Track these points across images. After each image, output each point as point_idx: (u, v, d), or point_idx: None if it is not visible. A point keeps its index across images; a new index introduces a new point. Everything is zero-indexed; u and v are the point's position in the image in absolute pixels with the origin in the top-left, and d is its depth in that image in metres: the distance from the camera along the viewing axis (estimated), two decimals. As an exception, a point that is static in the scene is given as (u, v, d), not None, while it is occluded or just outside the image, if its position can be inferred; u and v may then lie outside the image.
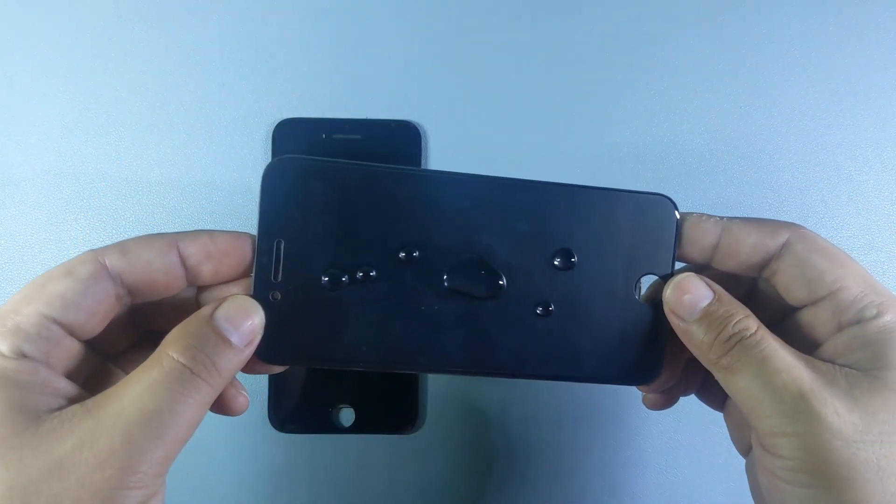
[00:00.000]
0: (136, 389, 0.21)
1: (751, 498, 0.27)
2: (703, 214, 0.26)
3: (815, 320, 0.25)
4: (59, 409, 0.21)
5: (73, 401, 0.21)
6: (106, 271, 0.23)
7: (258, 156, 0.40)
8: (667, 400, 0.29)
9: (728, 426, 0.29)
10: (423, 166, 0.39)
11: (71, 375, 0.23)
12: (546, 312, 0.27)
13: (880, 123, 0.40)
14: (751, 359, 0.23)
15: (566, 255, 0.27)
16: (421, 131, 0.40)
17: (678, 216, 0.26)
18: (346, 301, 0.26)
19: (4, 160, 0.40)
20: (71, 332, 0.23)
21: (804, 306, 0.25)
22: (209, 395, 0.22)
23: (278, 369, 0.27)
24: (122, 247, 0.24)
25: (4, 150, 0.40)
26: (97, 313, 0.23)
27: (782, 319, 0.26)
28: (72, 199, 0.40)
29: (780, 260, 0.25)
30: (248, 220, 0.40)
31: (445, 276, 0.26)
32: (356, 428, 0.38)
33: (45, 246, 0.40)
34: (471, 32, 0.40)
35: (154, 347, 0.23)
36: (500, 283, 0.27)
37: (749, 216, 0.26)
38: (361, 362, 0.26)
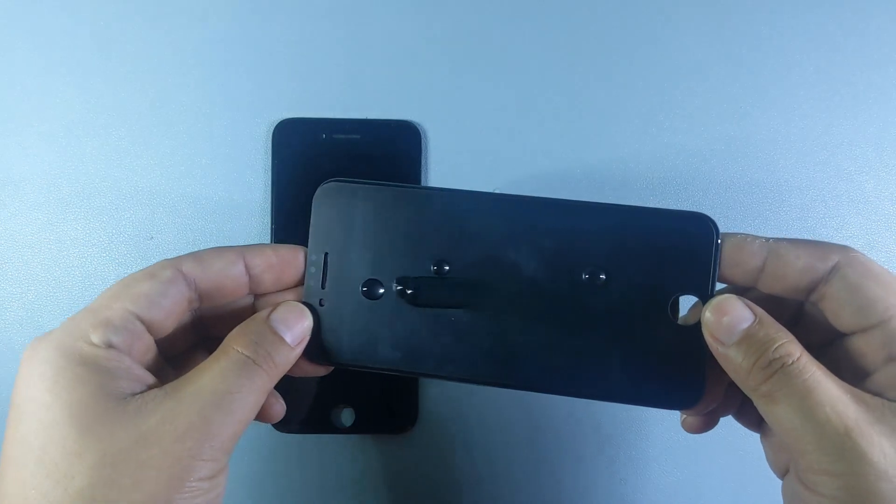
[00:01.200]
0: (208, 375, 0.24)
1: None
2: (747, 236, 0.26)
3: (865, 349, 0.24)
4: (142, 392, 0.24)
5: (151, 387, 0.24)
6: (183, 276, 0.26)
7: (258, 156, 0.40)
8: (707, 422, 0.28)
9: (765, 448, 0.28)
10: (423, 166, 0.39)
11: (146, 368, 0.25)
12: (577, 330, 0.27)
13: (880, 123, 0.40)
14: (793, 388, 0.22)
15: (597, 273, 0.27)
16: (421, 131, 0.40)
17: (718, 236, 0.26)
18: (383, 310, 0.28)
19: (4, 160, 0.40)
20: (150, 328, 0.25)
21: (853, 333, 0.24)
22: (268, 383, 0.25)
23: (323, 371, 0.29)
24: (197, 256, 0.27)
25: (4, 150, 0.40)
26: (173, 314, 0.26)
27: (829, 346, 0.25)
28: (72, 199, 0.40)
29: (828, 284, 0.24)
30: (248, 219, 0.40)
31: (482, 290, 0.28)
32: (356, 428, 0.38)
33: (45, 246, 0.40)
34: (471, 33, 0.40)
35: (207, 352, 0.26)
36: (538, 297, 0.27)
37: (796, 237, 0.25)
38: (394, 367, 0.28)
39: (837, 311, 0.24)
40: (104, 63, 0.40)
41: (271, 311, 0.27)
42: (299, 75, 0.40)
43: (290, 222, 0.39)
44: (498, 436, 0.39)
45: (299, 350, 0.27)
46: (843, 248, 0.24)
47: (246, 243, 0.39)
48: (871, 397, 0.22)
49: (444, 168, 0.40)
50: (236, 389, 0.24)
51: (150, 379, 0.25)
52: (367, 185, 0.29)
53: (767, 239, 0.25)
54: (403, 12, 0.40)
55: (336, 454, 0.39)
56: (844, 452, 0.21)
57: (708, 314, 0.25)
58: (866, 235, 0.39)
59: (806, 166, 0.40)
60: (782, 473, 0.27)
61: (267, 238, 0.39)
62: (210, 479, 0.23)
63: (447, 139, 0.40)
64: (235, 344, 0.25)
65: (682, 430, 0.29)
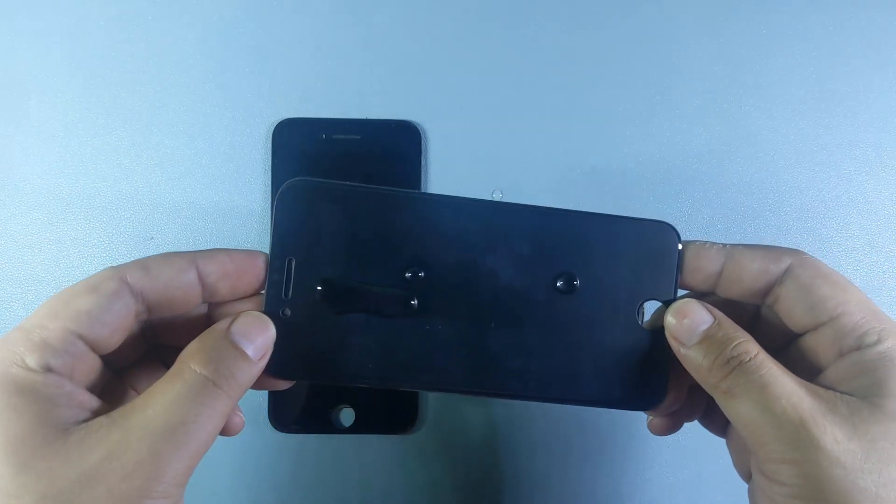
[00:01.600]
0: (160, 401, 0.22)
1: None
2: (706, 242, 0.26)
3: (817, 346, 0.25)
4: (85, 420, 0.22)
5: (96, 413, 0.22)
6: (128, 288, 0.24)
7: (258, 156, 0.40)
8: (671, 425, 0.29)
9: (730, 451, 0.29)
10: (423, 166, 0.39)
11: (91, 389, 0.23)
12: (548, 336, 0.27)
13: (880, 123, 0.40)
14: (751, 384, 0.23)
15: (568, 279, 0.27)
16: (421, 131, 0.40)
17: (680, 244, 0.27)
18: (350, 320, 0.27)
19: (4, 160, 0.40)
20: (93, 347, 0.23)
21: (806, 332, 0.25)
22: (228, 406, 0.23)
23: (284, 385, 0.27)
24: (143, 264, 0.24)
25: (4, 150, 0.40)
26: (119, 329, 0.24)
27: (786, 346, 0.26)
28: (72, 199, 0.40)
29: (782, 286, 0.25)
30: (248, 219, 0.40)
31: (448, 298, 0.27)
32: (356, 428, 0.38)
33: (45, 246, 0.40)
34: (471, 33, 0.40)
35: (159, 361, 0.24)
36: (506, 304, 0.27)
37: (752, 243, 0.26)
38: (365, 379, 0.27)
39: (791, 311, 0.25)
40: (104, 63, 0.40)
41: (231, 323, 0.24)
42: (299, 75, 0.40)
43: (290, 222, 0.39)
44: (498, 436, 0.39)
45: (262, 365, 0.25)
46: (795, 252, 0.25)
47: (242, 245, 0.39)
48: (824, 390, 0.23)
49: (443, 168, 0.40)
50: (192, 418, 0.22)
51: (95, 403, 0.23)
52: (334, 185, 0.27)
53: (724, 245, 0.26)
54: (403, 12, 0.40)
55: (336, 454, 0.39)
56: (800, 441, 0.22)
57: (670, 317, 0.26)
58: (866, 236, 0.39)
59: (806, 167, 0.40)
60: (747, 477, 0.27)
61: (267, 238, 0.39)
62: None
63: (447, 139, 0.40)
64: (192, 362, 0.23)
65: (683, 433, 0.29)
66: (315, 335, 0.27)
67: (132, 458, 0.21)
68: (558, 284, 0.27)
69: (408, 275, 0.27)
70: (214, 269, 0.25)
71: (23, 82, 0.40)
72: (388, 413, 0.39)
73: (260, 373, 0.25)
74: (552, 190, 0.40)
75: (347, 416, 0.39)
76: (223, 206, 0.40)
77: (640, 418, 0.39)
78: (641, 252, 0.27)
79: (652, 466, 0.39)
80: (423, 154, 0.40)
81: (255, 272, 0.26)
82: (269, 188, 0.39)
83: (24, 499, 0.20)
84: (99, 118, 0.40)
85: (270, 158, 0.39)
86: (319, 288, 0.26)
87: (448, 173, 0.40)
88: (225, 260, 0.26)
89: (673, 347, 0.26)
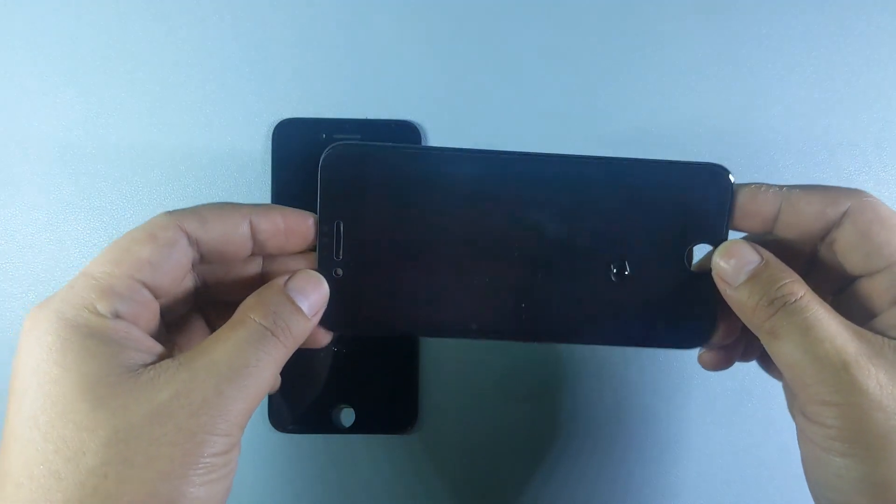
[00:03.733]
0: (224, 347, 0.23)
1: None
2: (761, 185, 0.26)
3: (872, 292, 0.25)
4: (154, 363, 0.23)
5: (161, 357, 0.23)
6: (185, 237, 0.25)
7: (258, 156, 0.40)
8: (722, 360, 0.29)
9: (785, 394, 0.29)
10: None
11: (152, 335, 0.25)
12: (599, 280, 0.28)
13: (880, 123, 0.40)
14: (794, 325, 0.23)
15: (617, 225, 0.27)
16: (421, 131, 0.40)
17: (733, 185, 0.26)
18: (404, 275, 0.28)
19: (4, 160, 0.40)
20: (154, 294, 0.24)
21: (862, 277, 0.25)
22: (284, 356, 0.25)
23: (326, 339, 0.28)
24: (199, 214, 0.25)
25: (4, 149, 0.40)
26: (177, 277, 0.25)
27: (842, 289, 0.26)
28: (72, 199, 0.40)
29: (839, 228, 0.25)
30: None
31: (499, 249, 0.28)
32: (356, 428, 0.38)
33: (45, 246, 0.40)
34: (471, 33, 0.40)
35: (202, 315, 0.26)
36: (555, 254, 0.28)
37: (810, 184, 0.26)
38: (418, 330, 0.28)
39: (847, 255, 0.25)
40: (104, 63, 0.40)
41: (288, 280, 0.26)
42: (299, 75, 0.40)
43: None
44: (497, 436, 0.39)
45: (316, 320, 0.26)
46: (856, 193, 0.25)
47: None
48: (872, 335, 0.23)
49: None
50: (253, 362, 0.23)
51: (160, 348, 0.24)
52: (376, 148, 0.28)
53: (781, 187, 0.26)
54: (403, 12, 0.40)
55: (336, 454, 0.39)
56: (842, 384, 0.22)
57: (716, 258, 0.26)
58: (866, 235, 0.39)
59: (806, 166, 0.40)
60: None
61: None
62: (224, 455, 0.23)
63: (447, 139, 0.40)
64: (252, 313, 0.24)
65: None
66: (367, 292, 0.28)
67: (199, 396, 0.22)
68: (609, 231, 0.27)
69: (455, 230, 0.28)
70: (267, 226, 0.26)
71: (23, 82, 0.40)
72: (388, 413, 0.39)
73: (313, 327, 0.26)
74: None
75: (347, 416, 0.39)
76: (223, 206, 0.40)
77: (644, 417, 0.39)
78: (691, 195, 0.27)
79: (654, 467, 0.39)
80: (423, 154, 0.40)
81: (305, 232, 0.27)
82: (270, 188, 0.39)
83: (97, 432, 0.21)
84: (98, 118, 0.40)
85: (270, 158, 0.39)
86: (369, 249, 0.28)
87: (448, 173, 0.40)
88: (277, 218, 0.27)
89: (720, 289, 0.26)
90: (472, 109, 0.40)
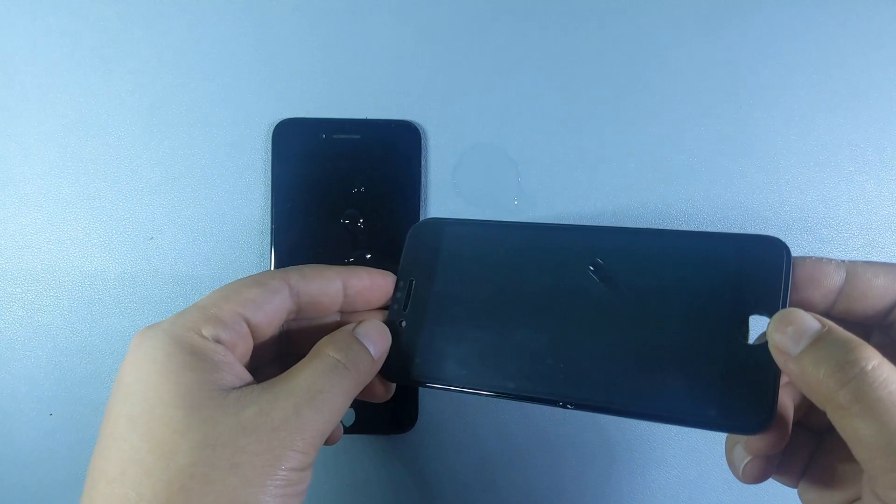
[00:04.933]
0: (302, 375, 0.26)
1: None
2: (823, 258, 0.25)
3: None
4: (242, 387, 0.26)
5: (248, 383, 0.26)
6: (288, 287, 0.29)
7: (258, 156, 0.40)
8: (765, 468, 0.26)
9: (802, 497, 0.27)
10: (423, 166, 0.39)
11: (244, 365, 0.27)
12: (649, 352, 0.27)
13: (880, 123, 0.40)
14: (873, 397, 0.20)
15: (672, 296, 0.27)
16: (421, 131, 0.40)
17: (790, 257, 0.26)
18: (460, 334, 0.30)
19: (4, 160, 0.40)
20: (253, 331, 0.28)
21: None
22: (354, 388, 0.28)
23: (387, 394, 0.31)
24: (301, 271, 0.29)
25: (4, 150, 0.40)
26: (274, 321, 0.28)
27: None
28: (72, 199, 0.40)
29: None
30: (248, 219, 0.40)
31: (543, 314, 0.29)
32: (356, 428, 0.38)
33: (45, 246, 0.40)
34: (471, 32, 0.40)
35: (281, 367, 0.28)
36: (610, 323, 0.28)
37: (871, 259, 0.25)
38: (467, 386, 0.30)
39: None
40: (104, 63, 0.40)
41: (356, 326, 0.29)
42: (299, 75, 0.40)
43: (290, 222, 0.39)
44: (498, 436, 0.39)
45: (379, 364, 0.29)
46: None
47: (242, 247, 0.39)
48: None
49: (444, 168, 0.40)
50: (328, 388, 0.26)
51: (248, 376, 0.26)
52: (454, 222, 0.33)
53: (843, 260, 0.25)
54: (403, 12, 0.40)
55: (336, 454, 0.39)
56: None
57: (772, 326, 0.23)
58: (866, 236, 0.39)
59: (806, 167, 0.40)
60: None
61: (267, 238, 0.39)
62: (299, 471, 0.25)
63: (447, 139, 0.40)
64: (327, 349, 0.27)
65: (732, 472, 0.27)
66: (425, 345, 0.31)
67: (280, 414, 0.25)
68: (661, 302, 0.27)
69: (509, 295, 0.30)
70: (356, 283, 0.30)
71: (23, 82, 0.40)
72: (388, 413, 0.39)
73: (376, 371, 0.29)
74: (551, 187, 0.40)
75: (347, 416, 0.39)
76: (223, 206, 0.40)
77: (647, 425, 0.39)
78: (747, 267, 0.26)
79: (656, 468, 0.39)
80: (423, 154, 0.40)
81: (385, 289, 0.31)
82: (269, 188, 0.39)
83: (188, 435, 0.24)
84: (99, 118, 0.40)
85: (270, 158, 0.39)
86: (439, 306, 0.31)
87: (448, 173, 0.40)
88: (364, 276, 0.31)
89: (778, 362, 0.23)
90: (472, 109, 0.40)
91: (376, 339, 0.29)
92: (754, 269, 0.26)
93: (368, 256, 0.39)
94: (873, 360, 0.20)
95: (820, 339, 0.22)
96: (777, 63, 0.40)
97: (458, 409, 0.39)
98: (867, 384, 0.20)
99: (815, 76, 0.40)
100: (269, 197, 0.39)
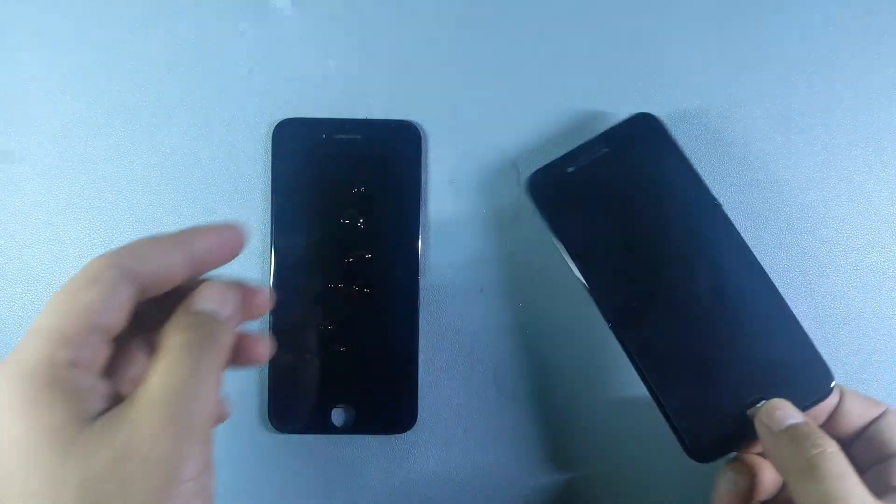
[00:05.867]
0: (158, 375, 0.24)
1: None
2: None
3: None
4: (108, 408, 0.24)
5: (115, 399, 0.24)
6: (126, 275, 0.25)
7: (258, 156, 0.40)
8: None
9: None
10: (423, 166, 0.39)
11: (107, 375, 0.25)
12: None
13: (880, 123, 0.40)
14: (830, 471, 0.26)
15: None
16: (421, 131, 0.40)
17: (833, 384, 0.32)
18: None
19: (4, 160, 0.40)
20: (106, 336, 0.25)
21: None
22: (217, 364, 0.25)
23: (264, 354, 0.30)
24: (134, 251, 0.26)
25: (4, 149, 0.40)
26: (124, 315, 0.25)
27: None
28: (72, 198, 0.40)
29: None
30: (247, 219, 0.40)
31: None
32: (356, 428, 0.38)
33: (45, 246, 0.40)
34: (471, 33, 0.40)
35: (145, 341, 0.27)
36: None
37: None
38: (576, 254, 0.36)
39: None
40: (104, 63, 0.40)
41: (191, 297, 0.27)
42: (299, 75, 0.40)
43: (290, 223, 0.39)
44: (497, 436, 0.39)
45: (234, 322, 0.27)
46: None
47: (248, 246, 0.39)
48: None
49: (444, 168, 0.40)
50: (189, 378, 0.24)
51: (112, 389, 0.25)
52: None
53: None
54: (403, 12, 0.40)
55: (336, 454, 0.39)
56: None
57: (764, 408, 0.30)
58: (866, 235, 0.39)
59: (806, 166, 0.40)
60: None
61: (267, 238, 0.39)
62: (197, 476, 0.23)
63: (447, 139, 0.40)
64: (172, 336, 0.25)
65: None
66: None
67: (155, 425, 0.23)
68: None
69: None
70: (201, 246, 0.27)
71: (23, 82, 0.40)
72: (388, 413, 0.39)
73: (235, 327, 0.27)
74: (552, 190, 0.40)
75: (347, 416, 0.39)
76: (223, 206, 0.40)
77: (645, 410, 0.39)
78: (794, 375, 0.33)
79: (654, 464, 0.39)
80: (423, 154, 0.40)
81: (237, 241, 0.28)
82: (269, 188, 0.39)
83: (70, 481, 0.22)
84: (99, 118, 0.40)
85: (270, 158, 0.39)
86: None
87: (448, 173, 0.40)
88: (210, 235, 0.27)
89: (761, 433, 0.30)
90: (472, 109, 0.40)
91: (217, 299, 0.27)
92: (800, 378, 0.33)
93: (368, 256, 0.39)
94: (834, 446, 0.27)
95: (800, 424, 0.29)
96: (777, 63, 0.40)
97: (458, 409, 0.39)
98: (827, 460, 0.26)
99: (815, 76, 0.40)
100: (269, 197, 0.39)
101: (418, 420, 0.39)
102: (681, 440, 0.33)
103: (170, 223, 0.40)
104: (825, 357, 0.32)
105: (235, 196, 0.40)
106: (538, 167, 0.37)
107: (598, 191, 0.36)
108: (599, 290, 0.35)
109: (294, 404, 0.39)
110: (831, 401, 0.31)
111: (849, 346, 0.39)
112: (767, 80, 0.40)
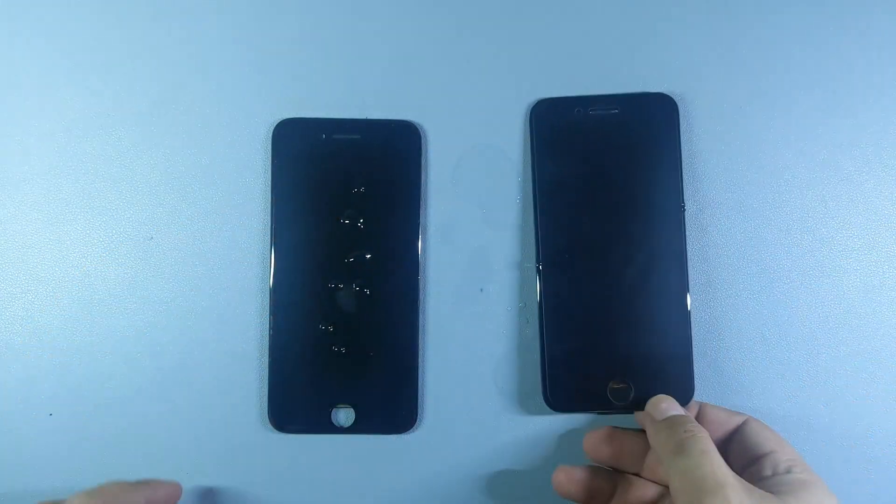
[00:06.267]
0: None
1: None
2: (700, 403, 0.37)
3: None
4: None
5: None
6: None
7: (258, 156, 0.40)
8: (580, 490, 0.36)
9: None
10: (423, 166, 0.39)
11: None
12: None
13: (880, 123, 0.40)
14: (697, 447, 0.30)
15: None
16: (421, 131, 0.40)
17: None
18: None
19: (4, 160, 0.40)
20: None
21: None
22: None
23: None
24: (106, 493, 0.33)
25: (4, 150, 0.40)
26: None
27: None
28: (72, 199, 0.40)
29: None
30: (248, 219, 0.40)
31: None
32: (356, 428, 0.38)
33: (45, 246, 0.40)
34: (471, 33, 0.40)
35: None
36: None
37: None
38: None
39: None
40: (104, 63, 0.40)
41: None
42: (299, 75, 0.40)
43: (290, 222, 0.39)
44: (497, 436, 0.39)
45: None
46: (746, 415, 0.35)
47: (242, 248, 0.39)
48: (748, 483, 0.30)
49: (444, 168, 0.40)
50: None
51: None
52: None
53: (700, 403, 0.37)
54: (403, 12, 0.40)
55: (336, 454, 0.39)
56: (716, 500, 0.27)
57: (651, 401, 0.35)
58: (866, 235, 0.39)
59: (806, 166, 0.40)
60: None
61: (267, 238, 0.39)
62: None
63: (447, 139, 0.40)
64: None
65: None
66: None
67: None
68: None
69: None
70: (159, 494, 0.35)
71: (23, 82, 0.40)
72: (388, 413, 0.39)
73: None
74: (552, 190, 0.40)
75: (347, 416, 0.39)
76: (223, 206, 0.40)
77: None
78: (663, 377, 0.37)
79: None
80: (423, 154, 0.40)
81: (176, 497, 0.36)
82: (269, 188, 0.39)
83: None
84: (99, 118, 0.40)
85: (270, 158, 0.39)
86: None
87: (448, 173, 0.40)
88: (164, 486, 0.36)
89: (645, 421, 0.35)
90: (473, 109, 0.40)
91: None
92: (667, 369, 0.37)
93: (368, 256, 0.39)
94: (702, 432, 0.31)
95: (679, 414, 0.34)
96: (777, 63, 0.40)
97: (458, 409, 0.39)
98: (696, 440, 0.30)
99: (815, 76, 0.40)
100: (269, 197, 0.39)
101: (418, 420, 0.39)
102: (543, 386, 0.37)
103: (170, 223, 0.40)
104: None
105: (235, 196, 0.40)
106: (550, 96, 0.39)
107: (589, 142, 0.38)
108: (546, 230, 0.38)
109: (294, 404, 0.39)
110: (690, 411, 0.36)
111: (849, 345, 0.39)
112: (767, 79, 0.40)
